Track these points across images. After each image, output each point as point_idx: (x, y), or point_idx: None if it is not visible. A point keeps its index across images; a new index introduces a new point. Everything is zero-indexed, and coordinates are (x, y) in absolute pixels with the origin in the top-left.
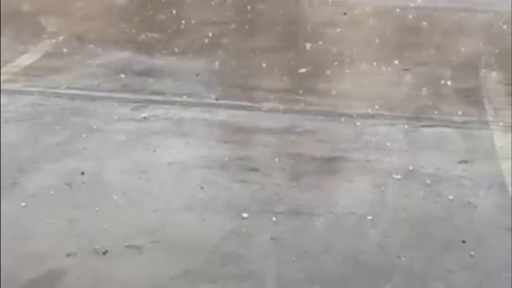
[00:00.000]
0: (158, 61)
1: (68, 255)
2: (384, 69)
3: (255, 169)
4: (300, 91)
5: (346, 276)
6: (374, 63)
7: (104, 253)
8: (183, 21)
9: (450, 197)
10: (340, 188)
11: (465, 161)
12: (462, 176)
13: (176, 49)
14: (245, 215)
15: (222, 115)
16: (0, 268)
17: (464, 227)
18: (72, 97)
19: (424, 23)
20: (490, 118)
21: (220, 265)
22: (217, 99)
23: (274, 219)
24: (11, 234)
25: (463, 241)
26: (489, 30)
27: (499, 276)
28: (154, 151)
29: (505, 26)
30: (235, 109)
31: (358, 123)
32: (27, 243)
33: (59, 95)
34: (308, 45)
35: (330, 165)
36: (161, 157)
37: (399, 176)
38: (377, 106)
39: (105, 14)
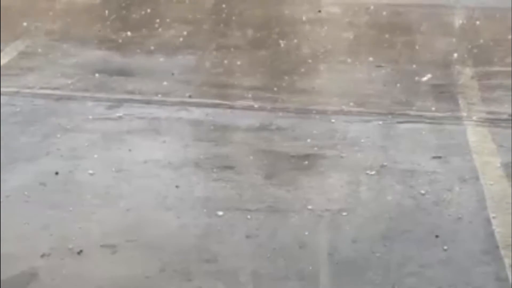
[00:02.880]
0: (133, 60)
1: (42, 256)
2: (358, 66)
3: (230, 167)
4: (275, 89)
5: (322, 272)
6: (349, 60)
7: (78, 253)
8: (157, 20)
9: (424, 192)
10: (315, 185)
11: (439, 157)
12: (436, 171)
13: (152, 47)
14: (220, 213)
15: (197, 113)
16: None
17: (438, 222)
18: (46, 97)
19: (397, 19)
20: (463, 114)
21: (196, 263)
22: (190, 96)
23: (249, 216)
24: None
25: (437, 236)
26: (462, 25)
27: (473, 270)
28: (130, 150)
29: (478, 22)
30: (209, 107)
31: (333, 120)
32: (1, 242)
33: (33, 95)
34: (282, 43)
35: (305, 162)
36: (137, 156)
37: (373, 172)
38: (351, 103)
39: (78, 13)
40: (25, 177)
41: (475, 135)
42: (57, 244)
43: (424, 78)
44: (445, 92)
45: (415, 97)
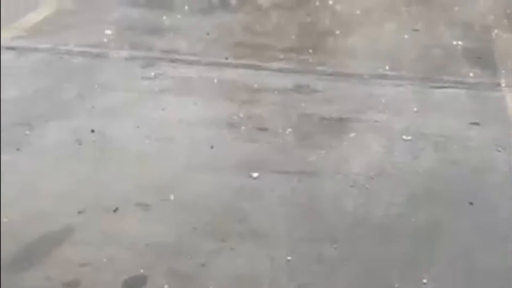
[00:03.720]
0: (168, 19)
1: (79, 213)
2: (394, 28)
3: (264, 129)
4: (310, 51)
5: (355, 235)
6: (385, 23)
7: (114, 210)
8: None
9: (460, 159)
10: (349, 149)
11: (476, 123)
12: (473, 137)
13: (186, 7)
14: (255, 174)
15: (231, 74)
16: (6, 223)
17: (473, 190)
18: (82, 54)
19: None
20: (502, 80)
21: (229, 223)
22: (226, 58)
23: (283, 178)
24: (21, 191)
25: (471, 203)
26: None
27: (504, 237)
28: (163, 109)
29: None
30: (244, 68)
31: (368, 83)
32: (37, 200)
33: (68, 52)
34: (318, 4)
35: (339, 125)
36: (171, 116)
37: (409, 137)
38: (387, 67)
39: None
40: (60, 134)
41: None
42: (93, 201)
43: (461, 43)
44: (482, 58)
45: (452, 62)
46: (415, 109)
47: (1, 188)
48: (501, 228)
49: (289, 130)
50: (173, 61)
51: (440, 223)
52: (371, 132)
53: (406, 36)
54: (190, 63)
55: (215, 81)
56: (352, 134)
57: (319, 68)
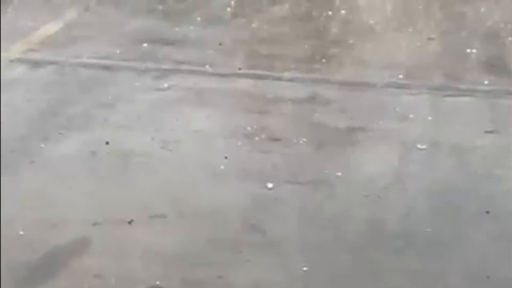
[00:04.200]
0: (180, 30)
1: (94, 224)
2: (408, 37)
3: (278, 139)
4: (323, 60)
5: (371, 245)
6: (399, 32)
7: (129, 222)
8: None
9: (476, 168)
10: (363, 158)
11: (490, 131)
12: (488, 146)
13: (198, 18)
14: (270, 185)
15: (244, 84)
16: (21, 235)
17: (489, 198)
18: (95, 67)
19: None
20: None
21: (245, 234)
22: (239, 69)
23: (297, 188)
24: (36, 203)
25: (487, 212)
26: None
27: None
28: (177, 120)
29: None
30: (257, 78)
31: (382, 92)
32: (52, 211)
33: (81, 65)
34: (330, 14)
35: (353, 135)
36: (185, 126)
37: (424, 146)
38: (400, 75)
39: None
40: (74, 146)
41: None
42: (108, 213)
43: (475, 50)
44: (496, 65)
45: (467, 70)
46: (429, 118)
47: (16, 201)
48: None
49: (303, 140)
50: (186, 72)
51: (456, 232)
52: (385, 141)
53: (419, 45)
54: (203, 74)
55: (228, 91)
56: (366, 144)
57: (332, 77)
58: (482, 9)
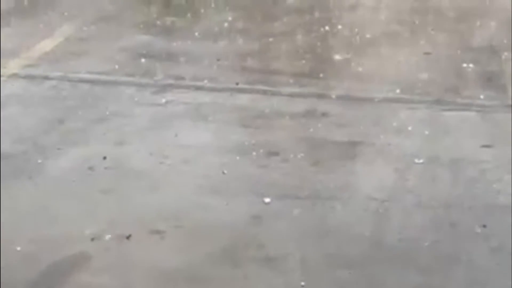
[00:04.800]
0: (178, 45)
1: (92, 239)
2: (405, 52)
3: (276, 153)
4: (321, 75)
5: (370, 260)
6: (395, 46)
7: (127, 237)
8: (202, 5)
9: (473, 182)
10: (362, 173)
11: (488, 146)
12: (485, 160)
13: (196, 34)
14: (267, 200)
15: (243, 99)
16: (19, 251)
17: (486, 212)
18: (93, 82)
19: (443, 4)
20: None
21: (243, 249)
22: (237, 84)
23: (296, 203)
24: (34, 218)
25: (484, 226)
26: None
27: None
28: (176, 135)
29: None
30: (255, 93)
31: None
32: (50, 226)
33: (79, 80)
34: (327, 29)
35: (351, 149)
36: (183, 141)
37: (421, 161)
38: (398, 90)
39: None
40: (72, 161)
41: None
42: (106, 228)
43: (471, 65)
44: (493, 80)
45: (463, 85)
46: (426, 132)
47: (14, 217)
48: None
49: (301, 154)
50: (184, 87)
51: (454, 246)
52: (383, 155)
53: (416, 59)
54: (201, 89)
55: (227, 106)
56: (364, 158)
57: (330, 92)
58: (478, 24)
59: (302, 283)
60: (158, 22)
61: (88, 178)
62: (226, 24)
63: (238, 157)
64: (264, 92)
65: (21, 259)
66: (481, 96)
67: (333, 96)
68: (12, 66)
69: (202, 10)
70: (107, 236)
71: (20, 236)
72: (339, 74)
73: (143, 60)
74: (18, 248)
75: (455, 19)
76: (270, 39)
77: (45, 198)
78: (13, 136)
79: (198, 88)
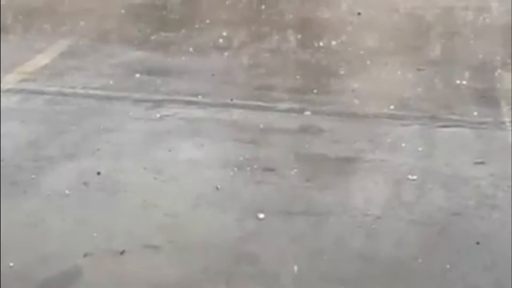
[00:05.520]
0: (173, 61)
1: (85, 255)
2: (398, 68)
3: (270, 169)
4: (315, 91)
5: (364, 276)
6: (389, 63)
7: (121, 253)
8: (197, 21)
9: (465, 198)
10: (355, 189)
11: (481, 162)
12: (478, 177)
13: (191, 49)
14: (261, 215)
15: (237, 115)
16: (11, 267)
17: (479, 229)
18: (88, 97)
19: (437, 21)
20: (506, 119)
21: (237, 265)
22: (232, 99)
23: (289, 219)
24: (27, 233)
25: (477, 243)
26: (505, 28)
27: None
28: (170, 150)
29: None
30: (249, 109)
31: (374, 123)
32: (43, 243)
33: (74, 95)
34: (322, 45)
35: (345, 165)
36: (177, 157)
37: (414, 177)
38: (391, 106)
39: (119, 14)
40: (67, 176)
41: None
42: (99, 244)
43: (465, 82)
44: (486, 97)
45: (456, 101)
46: (420, 149)
47: (7, 232)
48: (509, 267)
49: (295, 170)
50: (178, 102)
51: (448, 263)
52: (377, 171)
53: (410, 76)
54: (196, 104)
55: (221, 122)
56: (358, 174)
57: (325, 108)
58: (472, 41)
59: None
60: (153, 38)
61: (82, 193)
62: (220, 40)
63: (232, 173)
64: (259, 108)
65: (14, 275)
66: (475, 113)
67: (328, 112)
68: (7, 80)
69: (197, 26)
70: (100, 252)
71: (13, 252)
72: (334, 90)
73: (137, 75)
74: (11, 264)
75: (448, 36)
76: (265, 55)
77: (39, 213)
78: (8, 150)
79: (193, 104)
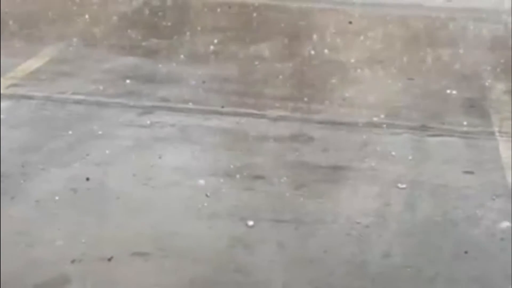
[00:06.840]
0: (164, 68)
1: (72, 262)
2: (389, 77)
3: (260, 177)
4: (305, 99)
5: (353, 285)
6: (379, 72)
7: (109, 259)
8: (188, 28)
9: (454, 208)
10: (345, 197)
11: (470, 172)
12: (467, 186)
13: (182, 56)
14: (250, 223)
15: (227, 122)
16: (0, 273)
17: (468, 238)
18: (78, 103)
19: (430, 31)
20: (495, 128)
21: (226, 273)
22: (222, 106)
23: (279, 227)
24: (15, 239)
25: (466, 252)
26: (495, 38)
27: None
28: (160, 157)
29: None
30: (240, 116)
31: (363, 132)
32: (31, 249)
33: (64, 101)
34: (313, 53)
35: (335, 174)
36: (167, 163)
37: (404, 186)
38: (382, 115)
39: (110, 20)
40: (55, 182)
41: (507, 150)
42: (87, 250)
43: (455, 92)
44: (475, 106)
45: (446, 111)
46: (410, 157)
47: None
48: (496, 277)
49: (285, 178)
50: (169, 109)
51: (436, 272)
52: (366, 180)
53: (400, 85)
54: (186, 111)
55: (211, 129)
56: (347, 183)
57: (315, 116)
58: (461, 51)
59: None
60: (144, 44)
61: (71, 199)
62: (211, 47)
63: (222, 180)
64: (249, 116)
65: (1, 282)
66: (464, 123)
67: (318, 121)
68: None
69: (188, 33)
70: (88, 258)
71: (1, 258)
72: (324, 99)
73: (128, 81)
74: None
75: (438, 45)
76: (256, 63)
77: (27, 219)
78: None
79: (183, 111)
